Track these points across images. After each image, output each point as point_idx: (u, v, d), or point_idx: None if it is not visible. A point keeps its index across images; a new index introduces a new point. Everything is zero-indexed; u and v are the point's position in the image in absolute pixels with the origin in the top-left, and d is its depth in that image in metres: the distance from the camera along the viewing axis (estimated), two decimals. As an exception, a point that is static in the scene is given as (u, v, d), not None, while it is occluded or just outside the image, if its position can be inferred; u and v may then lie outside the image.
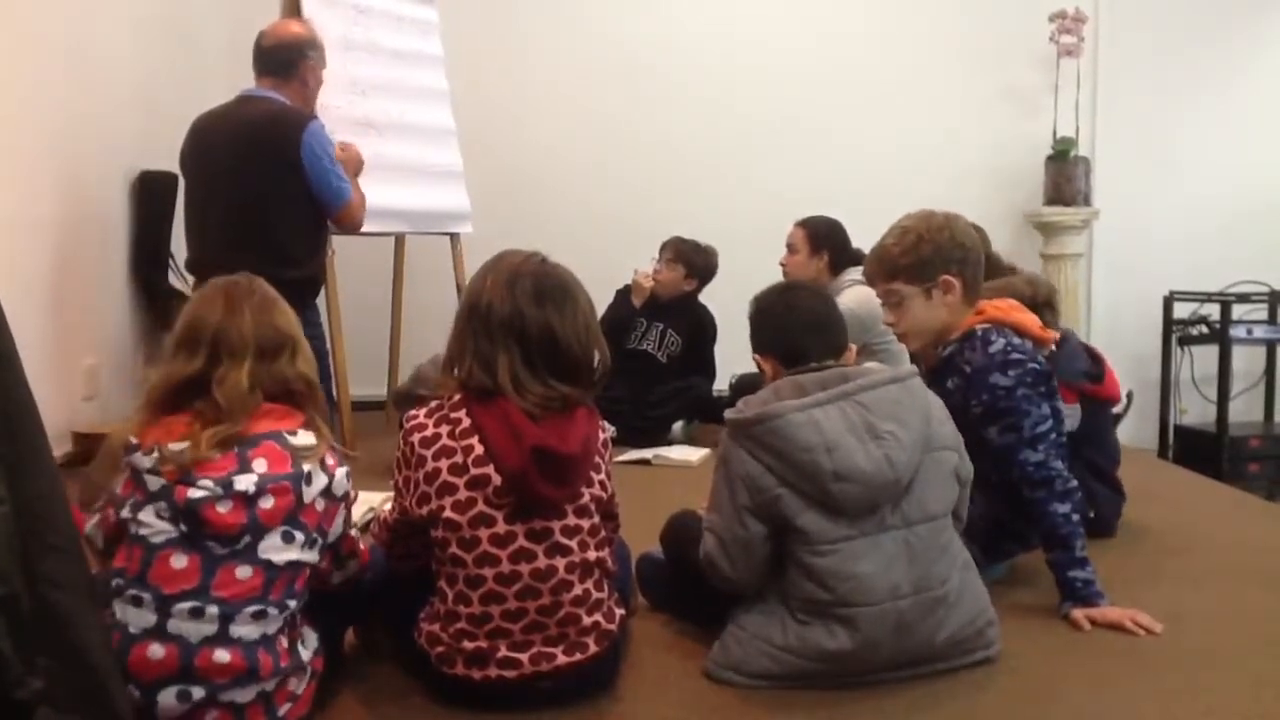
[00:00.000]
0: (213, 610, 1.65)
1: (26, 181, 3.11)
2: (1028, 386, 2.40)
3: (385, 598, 2.14)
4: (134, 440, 1.70)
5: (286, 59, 3.61)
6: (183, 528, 1.66)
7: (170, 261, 4.11)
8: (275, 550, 1.70)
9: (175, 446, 1.68)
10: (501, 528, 1.86)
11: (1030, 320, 2.59)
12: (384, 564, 2.12)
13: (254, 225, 3.42)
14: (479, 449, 1.86)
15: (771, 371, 2.20)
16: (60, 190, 3.37)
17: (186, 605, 1.64)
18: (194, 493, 1.66)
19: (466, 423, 1.89)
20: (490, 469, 1.85)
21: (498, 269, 1.97)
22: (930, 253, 2.45)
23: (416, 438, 1.91)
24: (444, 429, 1.90)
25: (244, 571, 1.68)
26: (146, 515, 1.66)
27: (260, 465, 1.71)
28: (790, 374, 2.12)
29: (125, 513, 1.70)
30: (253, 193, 3.43)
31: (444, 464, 1.87)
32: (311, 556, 1.76)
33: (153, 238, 4.05)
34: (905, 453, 1.99)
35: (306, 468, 1.74)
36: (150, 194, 4.03)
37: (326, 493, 1.77)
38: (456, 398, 1.93)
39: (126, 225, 3.96)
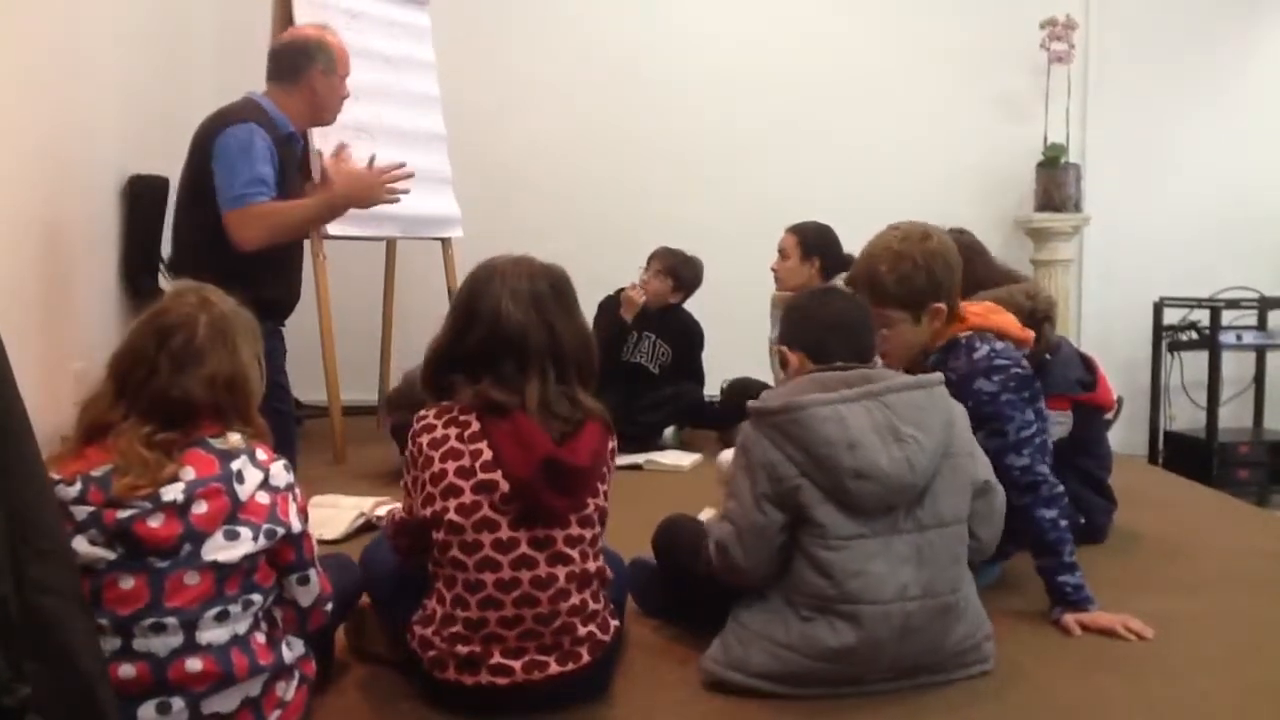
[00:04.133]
0: (172, 622, 1.62)
1: (15, 185, 3.10)
2: (1011, 391, 2.41)
3: (378, 600, 2.14)
4: (56, 476, 1.63)
5: (290, 64, 3.45)
6: (119, 549, 1.62)
7: (160, 264, 4.10)
8: (220, 550, 1.65)
9: (97, 473, 1.64)
10: (505, 533, 1.86)
11: (1009, 321, 2.60)
12: (362, 576, 2.14)
13: (184, 238, 3.36)
14: (488, 454, 1.86)
15: (797, 363, 2.19)
16: (49, 194, 3.35)
17: (146, 623, 1.61)
18: (122, 513, 1.61)
19: (476, 427, 1.88)
20: (498, 475, 1.85)
21: (509, 290, 1.94)
22: (924, 282, 2.44)
23: (425, 439, 1.91)
24: (453, 431, 1.90)
25: (191, 578, 1.64)
26: (79, 545, 1.59)
27: (187, 473, 1.66)
28: (814, 370, 2.12)
29: None
30: (181, 203, 3.37)
31: (450, 466, 1.87)
32: (263, 545, 1.70)
33: (143, 241, 4.03)
34: (925, 457, 1.99)
35: (235, 466, 1.69)
36: (141, 197, 4.01)
37: (266, 485, 1.72)
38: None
39: (116, 229, 3.94)
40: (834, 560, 1.97)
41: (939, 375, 2.17)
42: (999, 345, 2.48)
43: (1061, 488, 2.39)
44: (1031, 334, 2.65)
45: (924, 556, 2.00)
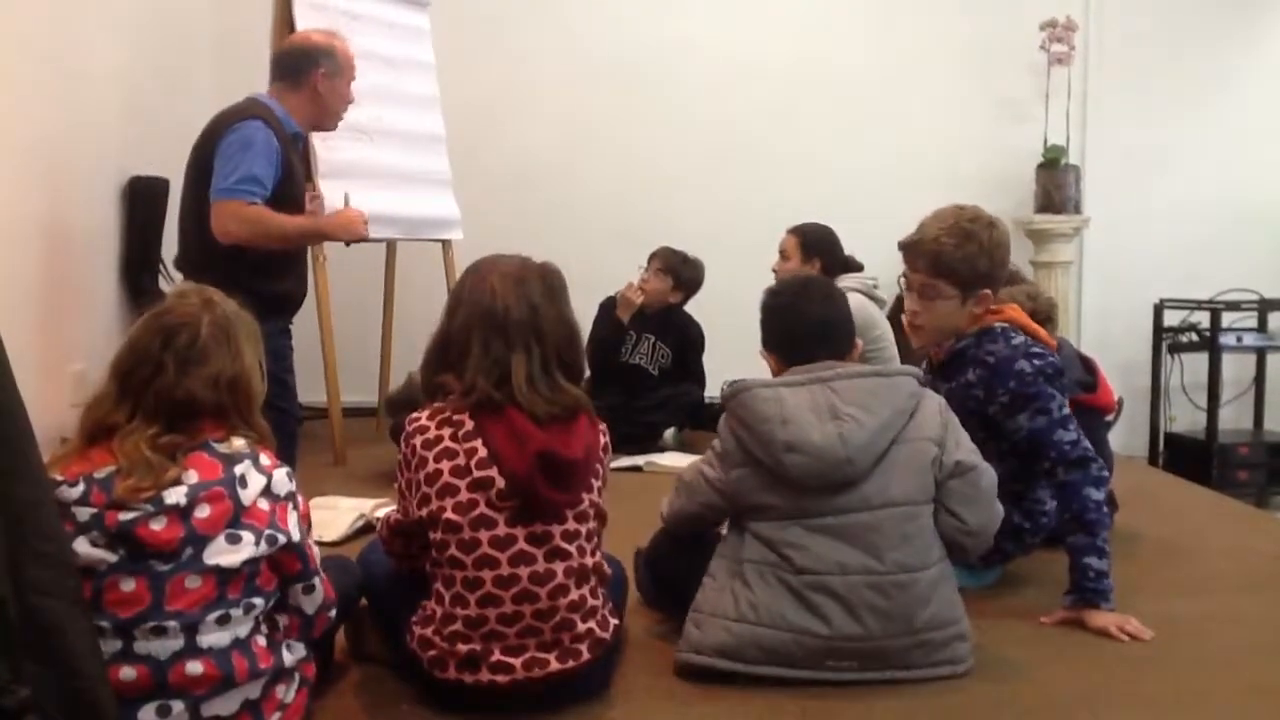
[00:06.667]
0: (173, 625, 1.61)
1: (15, 187, 3.10)
2: (1046, 378, 2.45)
3: (376, 601, 2.14)
4: (58, 477, 1.63)
5: (294, 65, 3.47)
6: (120, 552, 1.61)
7: (160, 266, 4.10)
8: (223, 554, 1.65)
9: (100, 475, 1.64)
10: (502, 530, 1.86)
11: (1037, 327, 2.66)
12: (362, 579, 2.14)
13: (188, 233, 3.35)
14: (482, 451, 1.87)
15: (776, 368, 2.27)
16: (49, 196, 3.36)
17: (147, 626, 1.61)
18: (125, 515, 1.61)
19: (470, 425, 1.89)
20: (494, 471, 1.86)
21: (498, 273, 1.98)
22: (985, 268, 2.50)
23: (418, 440, 1.92)
24: (446, 431, 1.90)
25: (193, 581, 1.63)
26: (81, 546, 1.59)
27: (190, 476, 1.66)
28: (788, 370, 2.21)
29: None
30: (187, 200, 3.35)
31: (445, 465, 1.88)
32: (264, 550, 1.69)
33: (143, 242, 4.04)
34: (864, 435, 2.05)
35: (239, 470, 1.69)
36: (140, 199, 4.02)
37: (268, 493, 1.72)
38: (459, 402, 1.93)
39: (116, 230, 3.95)
40: (774, 536, 2.05)
41: (911, 369, 2.22)
42: (1031, 339, 2.54)
43: (1107, 472, 2.42)
44: (1055, 343, 2.69)
45: (870, 535, 2.03)
